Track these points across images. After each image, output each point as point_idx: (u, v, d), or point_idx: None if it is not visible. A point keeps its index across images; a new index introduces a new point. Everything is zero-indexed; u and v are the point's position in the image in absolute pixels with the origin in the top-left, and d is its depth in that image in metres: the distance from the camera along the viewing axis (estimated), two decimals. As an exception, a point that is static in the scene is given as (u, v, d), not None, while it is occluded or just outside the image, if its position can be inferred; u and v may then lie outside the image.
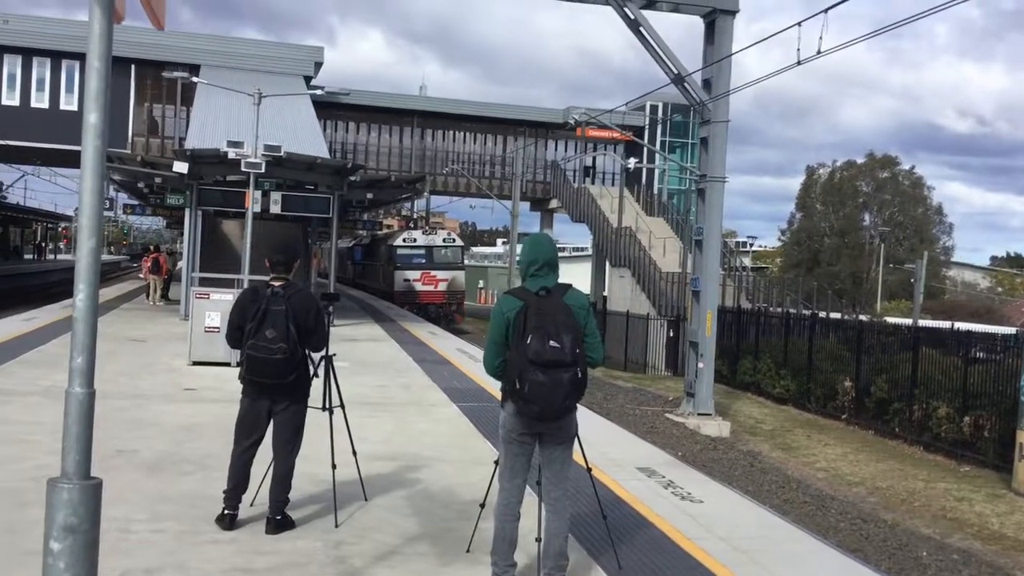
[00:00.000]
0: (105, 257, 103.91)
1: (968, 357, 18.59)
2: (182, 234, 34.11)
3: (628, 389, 25.75)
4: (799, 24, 13.46)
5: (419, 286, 41.53)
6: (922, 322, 31.06)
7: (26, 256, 77.78)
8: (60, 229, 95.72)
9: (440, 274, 41.91)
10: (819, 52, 12.93)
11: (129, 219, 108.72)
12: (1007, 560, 12.42)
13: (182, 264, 37.65)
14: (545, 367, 4.96)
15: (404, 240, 42.64)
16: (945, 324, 24.60)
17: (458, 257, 43.88)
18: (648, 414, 21.33)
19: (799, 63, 13.90)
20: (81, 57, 39.78)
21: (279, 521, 6.34)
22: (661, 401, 23.45)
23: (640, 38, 20.01)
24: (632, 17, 19.77)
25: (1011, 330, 22.59)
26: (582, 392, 5.11)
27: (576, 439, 5.62)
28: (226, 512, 6.36)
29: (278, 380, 6.13)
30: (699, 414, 20.34)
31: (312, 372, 6.52)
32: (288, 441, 6.37)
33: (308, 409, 6.54)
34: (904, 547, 12.40)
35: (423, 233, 43.41)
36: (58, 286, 53.22)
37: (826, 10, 12.59)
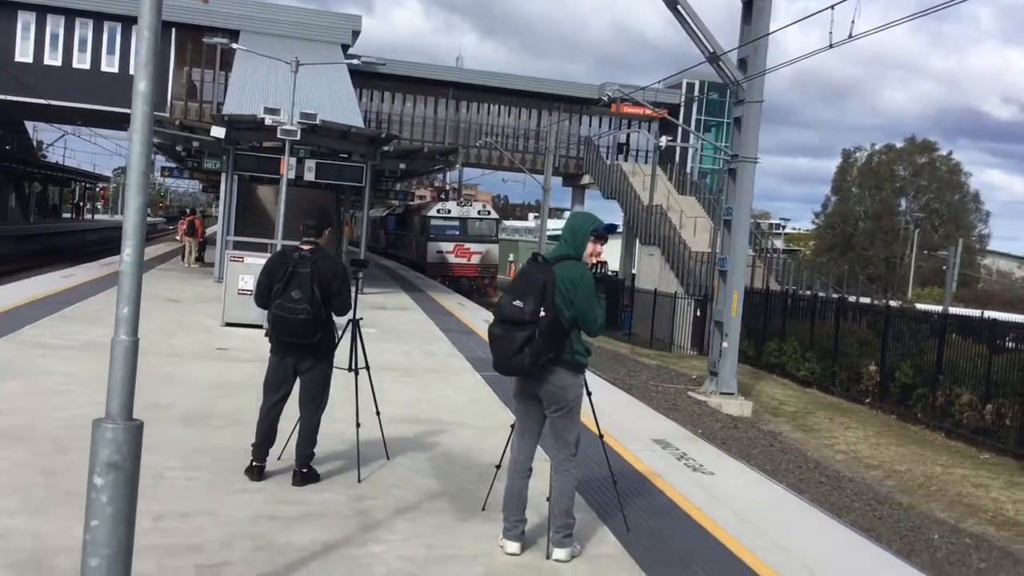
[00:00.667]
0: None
1: (994, 345, 18.60)
2: (217, 198, 34.58)
3: (652, 366, 25.94)
4: (832, 7, 13.49)
5: (452, 258, 41.06)
6: (953, 310, 30.94)
7: (64, 215, 78.96)
8: (98, 189, 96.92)
9: (474, 247, 41.37)
10: (851, 36, 12.96)
11: (166, 182, 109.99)
12: (1020, 547, 12.53)
13: (215, 228, 38.16)
14: (502, 323, 5.38)
15: (438, 211, 42.06)
16: (975, 312, 24.56)
17: (492, 230, 43.33)
18: (671, 391, 21.52)
19: (831, 46, 13.93)
20: (123, 19, 40.49)
21: (305, 474, 6.65)
22: (684, 379, 23.61)
23: (677, 15, 20.02)
24: (670, -6, 19.77)
25: (1040, 320, 22.49)
26: (540, 355, 5.27)
27: (591, 408, 5.89)
28: (254, 464, 6.68)
29: (302, 340, 6.42)
30: (722, 393, 20.49)
31: (337, 336, 6.80)
32: (314, 399, 6.67)
33: (335, 370, 6.83)
34: (917, 529, 12.57)
35: (458, 204, 42.90)
36: (95, 245, 54.13)
37: (859, -6, 12.63)
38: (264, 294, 6.50)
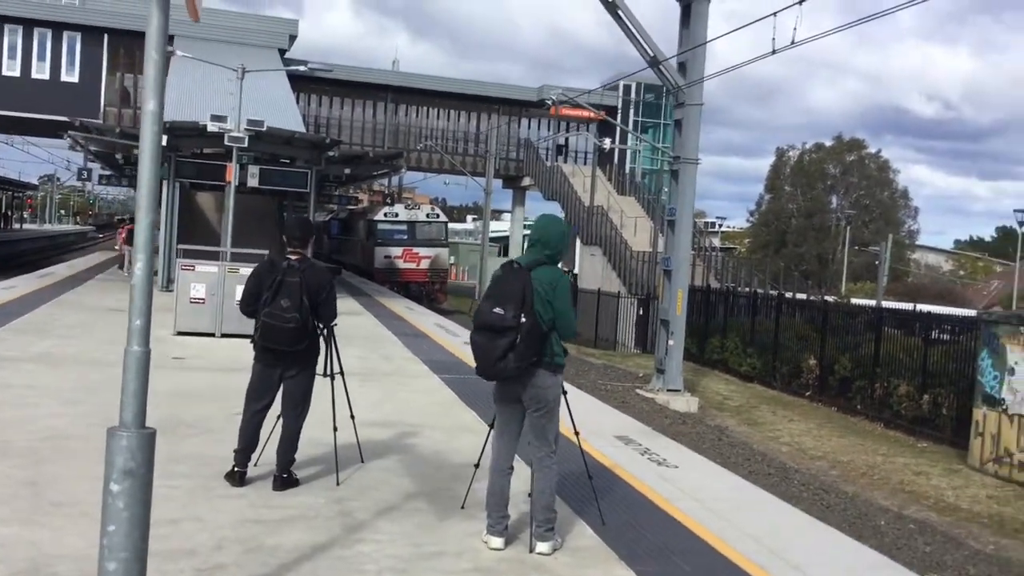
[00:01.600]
0: (70, 228, 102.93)
1: (928, 338, 19.25)
2: (155, 205, 33.97)
3: (599, 366, 26.26)
4: (774, 15, 13.93)
5: (400, 263, 40.01)
6: (885, 303, 31.82)
7: (-8, 225, 76.97)
8: (25, 198, 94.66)
9: (423, 251, 40.34)
10: (793, 43, 13.41)
11: (95, 189, 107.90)
12: (961, 530, 13.05)
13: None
14: (482, 329, 5.56)
15: (385, 215, 41.02)
16: (907, 306, 25.35)
17: (442, 233, 42.35)
18: (619, 390, 21.85)
19: (774, 52, 14.36)
20: (53, 25, 39.73)
21: (285, 479, 6.78)
22: (631, 377, 23.98)
23: (617, 20, 20.34)
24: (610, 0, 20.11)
25: (971, 312, 23.31)
26: (523, 359, 5.50)
27: (567, 408, 6.11)
28: (236, 469, 6.79)
29: (290, 347, 6.55)
30: (668, 390, 20.87)
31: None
32: (297, 405, 6.81)
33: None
34: (863, 516, 13.01)
35: (405, 207, 41.93)
36: (27, 255, 52.88)
37: (800, 1, 13.07)
38: (251, 302, 6.62)
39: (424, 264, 40.44)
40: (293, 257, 6.68)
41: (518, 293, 5.52)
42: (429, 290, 40.01)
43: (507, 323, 5.46)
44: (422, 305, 30.23)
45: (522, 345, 5.48)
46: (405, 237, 40.61)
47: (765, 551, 6.11)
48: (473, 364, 5.75)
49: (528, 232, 6.32)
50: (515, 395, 5.74)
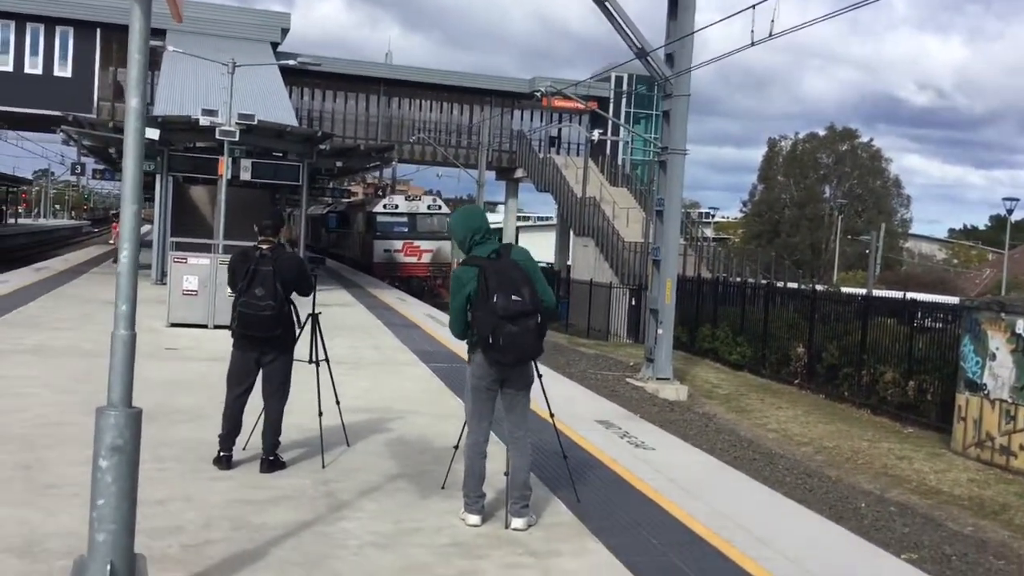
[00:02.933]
0: (65, 222, 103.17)
1: (914, 325, 19.51)
2: (147, 199, 34.20)
3: (590, 355, 26.53)
4: (753, 7, 14.15)
5: (401, 257, 38.71)
6: (876, 292, 32.07)
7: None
8: (20, 193, 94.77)
9: (424, 244, 38.83)
10: (771, 35, 13.63)
11: (89, 184, 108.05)
12: (940, 512, 13.31)
13: (146, 228, 37.77)
14: (514, 319, 5.74)
15: (384, 206, 39.69)
16: (896, 294, 25.61)
17: (444, 225, 39.51)
18: (609, 378, 22.11)
19: (752, 44, 14.59)
20: (45, 20, 39.82)
21: (271, 461, 7.02)
22: (622, 367, 24.23)
23: (605, 12, 20.55)
24: (598, -8, 20.30)
25: (956, 300, 23.52)
26: (544, 336, 5.91)
27: (542, 391, 6.34)
28: (222, 454, 7.03)
29: (266, 334, 6.83)
30: (658, 379, 21.13)
31: (297, 330, 7.16)
32: (277, 389, 7.06)
33: (295, 363, 7.20)
34: (845, 499, 13.28)
35: (406, 199, 40.80)
36: (22, 250, 52.97)
37: (776, -6, 13.31)
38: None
39: (425, 258, 39.05)
40: (264, 247, 6.93)
41: (523, 278, 5.82)
42: (431, 284, 38.28)
43: (528, 307, 5.76)
44: (425, 300, 29.87)
45: (544, 325, 5.87)
46: (406, 230, 39.19)
47: (732, 526, 6.35)
48: (460, 355, 5.94)
49: (467, 227, 6.13)
50: (507, 377, 5.97)
